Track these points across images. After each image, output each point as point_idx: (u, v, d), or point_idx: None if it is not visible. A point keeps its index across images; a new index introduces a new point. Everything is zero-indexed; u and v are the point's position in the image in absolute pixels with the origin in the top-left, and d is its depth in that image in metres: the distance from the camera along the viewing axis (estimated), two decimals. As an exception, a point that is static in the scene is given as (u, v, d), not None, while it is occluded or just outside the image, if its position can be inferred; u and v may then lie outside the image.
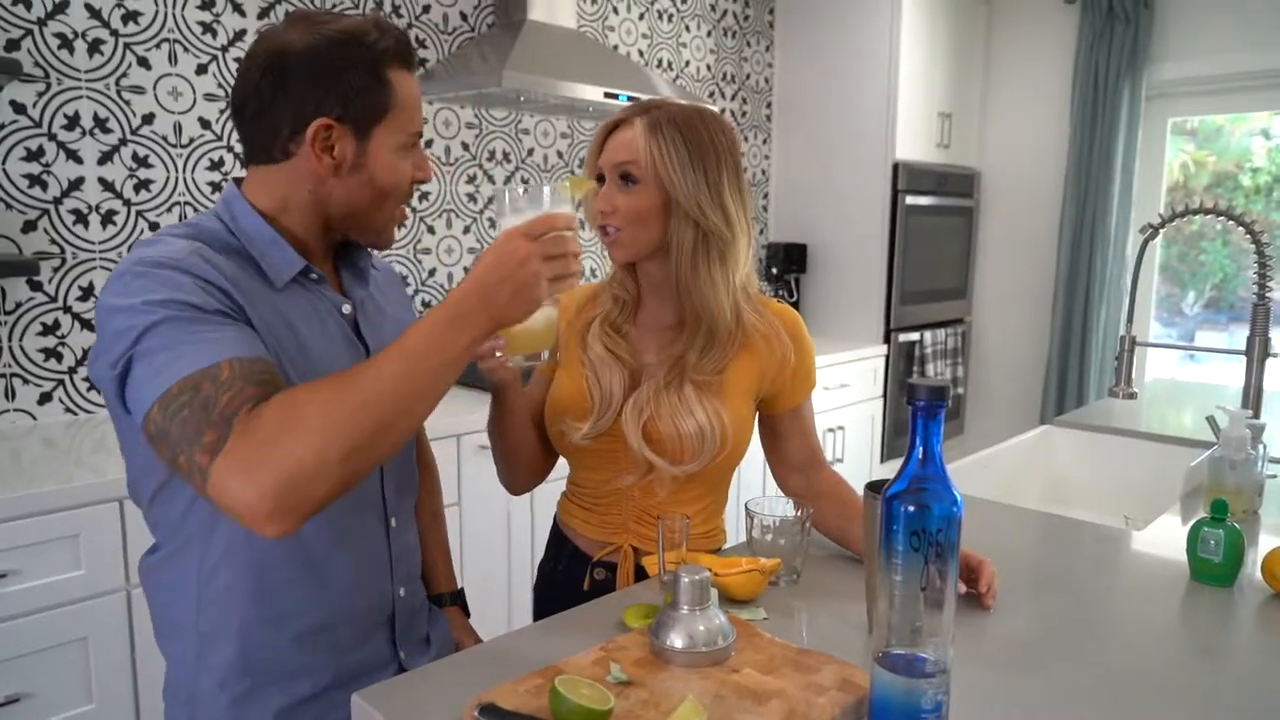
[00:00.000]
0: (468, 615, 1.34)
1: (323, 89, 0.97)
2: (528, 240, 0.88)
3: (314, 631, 1.04)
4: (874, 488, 1.04)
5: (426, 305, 2.78)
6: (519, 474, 1.36)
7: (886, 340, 3.70)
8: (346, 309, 1.08)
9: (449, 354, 0.87)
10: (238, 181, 1.05)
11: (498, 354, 1.09)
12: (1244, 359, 1.79)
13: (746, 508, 1.22)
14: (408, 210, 1.10)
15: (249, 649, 1.01)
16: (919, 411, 0.79)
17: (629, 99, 2.70)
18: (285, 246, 1.01)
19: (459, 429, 2.22)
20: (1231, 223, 1.67)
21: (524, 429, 1.30)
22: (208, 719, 1.03)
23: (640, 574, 1.27)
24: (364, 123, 1.00)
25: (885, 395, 3.73)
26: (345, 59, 0.97)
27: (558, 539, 1.38)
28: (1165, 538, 1.44)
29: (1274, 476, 1.64)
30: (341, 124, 0.99)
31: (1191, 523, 1.27)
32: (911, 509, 0.79)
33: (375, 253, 1.21)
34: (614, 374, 1.24)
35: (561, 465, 1.39)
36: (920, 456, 0.80)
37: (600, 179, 1.23)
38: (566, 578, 1.33)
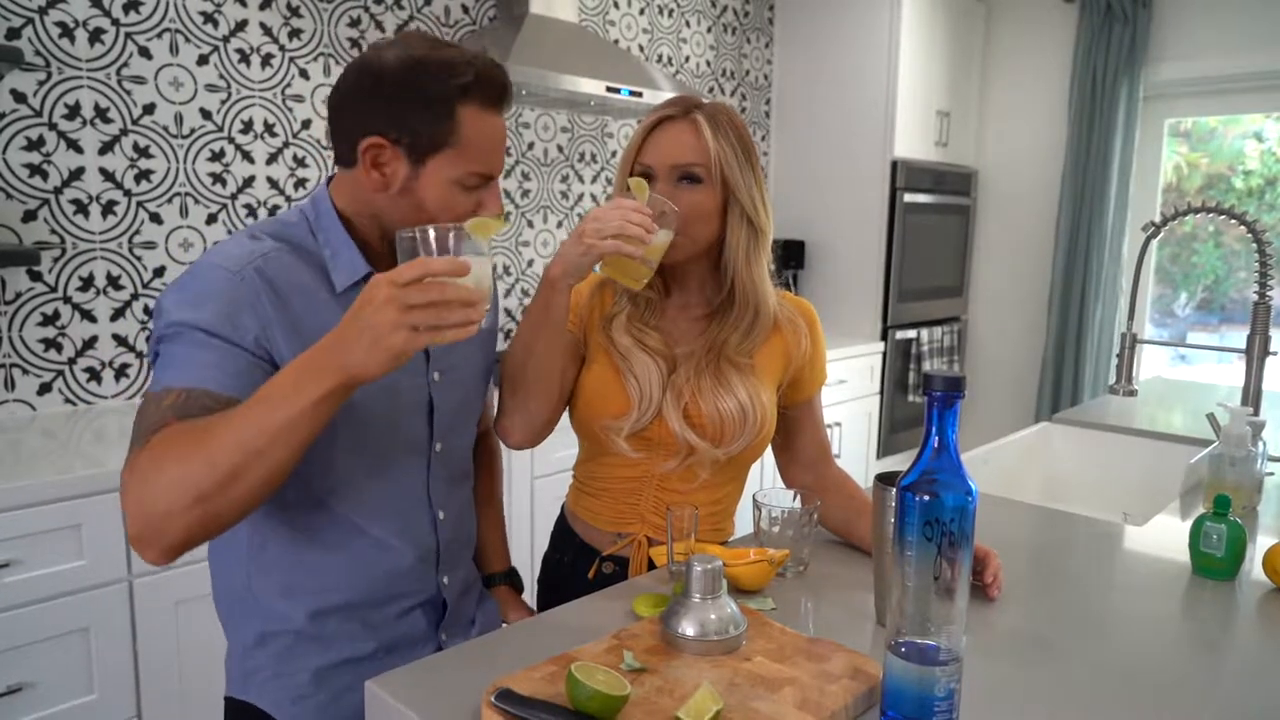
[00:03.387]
0: (520, 591, 1.37)
1: (385, 108, 1.00)
2: (390, 285, 0.81)
3: (351, 607, 1.09)
4: (884, 479, 1.05)
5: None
6: (532, 410, 1.21)
7: (884, 337, 3.72)
8: None
9: (297, 406, 0.83)
10: (330, 180, 1.09)
11: (639, 250, 1.08)
12: (1241, 359, 1.80)
13: (755, 499, 1.22)
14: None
15: (291, 612, 1.07)
16: (935, 401, 0.80)
17: (631, 93, 2.71)
18: (355, 251, 1.05)
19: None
20: (1224, 225, 1.68)
21: (558, 347, 1.19)
22: (257, 672, 1.09)
23: (649, 565, 1.27)
24: (419, 150, 1.01)
25: (882, 392, 3.75)
26: (419, 86, 0.99)
27: (564, 532, 1.38)
28: (1165, 533, 1.45)
29: (1272, 474, 1.65)
30: (396, 146, 1.00)
31: (1194, 518, 1.28)
32: (925, 498, 0.79)
33: None
34: (650, 369, 1.24)
35: (570, 457, 1.39)
36: (935, 446, 0.80)
37: (642, 176, 1.21)
38: (573, 570, 1.33)
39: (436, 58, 1.00)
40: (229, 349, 0.95)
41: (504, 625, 1.27)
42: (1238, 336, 1.81)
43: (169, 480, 0.84)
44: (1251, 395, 1.77)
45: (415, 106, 0.99)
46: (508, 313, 3.10)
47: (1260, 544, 1.37)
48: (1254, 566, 1.29)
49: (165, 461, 0.85)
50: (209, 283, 0.97)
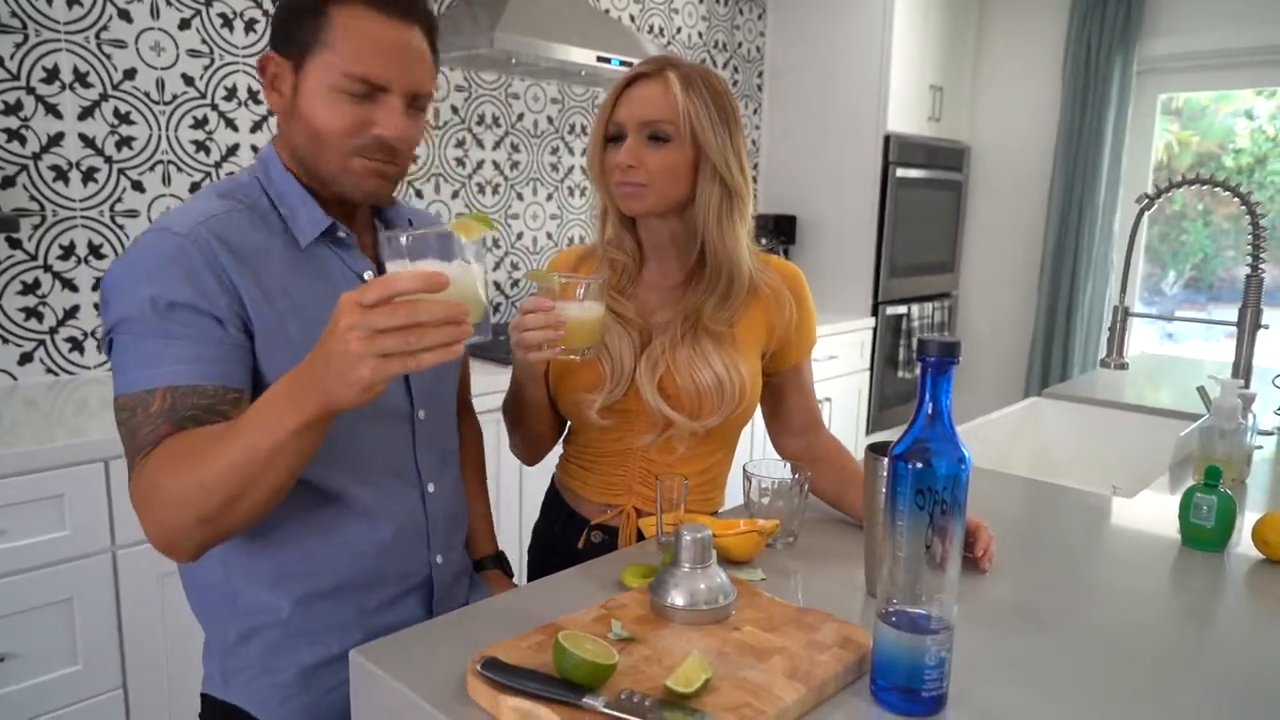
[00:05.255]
0: (510, 576, 1.33)
1: (275, 24, 0.97)
2: (354, 309, 0.73)
3: (342, 591, 1.04)
4: (876, 449, 1.04)
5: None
6: (540, 447, 1.35)
7: (874, 313, 3.71)
8: (369, 275, 1.05)
9: (280, 434, 0.80)
10: (275, 139, 1.05)
11: (557, 348, 1.06)
12: (1228, 337, 1.80)
13: (745, 470, 1.21)
14: (383, 164, 1.01)
15: (277, 604, 1.02)
16: (929, 367, 0.79)
17: (621, 64, 2.67)
18: (313, 204, 1.01)
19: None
20: (1213, 204, 1.68)
21: (546, 407, 1.29)
22: (240, 671, 1.04)
23: (639, 537, 1.26)
24: (296, 56, 0.96)
25: (872, 368, 3.74)
26: None
27: (555, 503, 1.37)
28: (1154, 506, 1.45)
29: (1261, 447, 1.66)
30: (283, 58, 0.97)
31: (1184, 489, 1.28)
32: (918, 466, 0.78)
33: (425, 213, 1.24)
34: (622, 339, 1.22)
35: (557, 428, 1.38)
36: (929, 414, 0.79)
37: (614, 137, 1.20)
38: (563, 540, 1.32)
39: None
40: (201, 323, 0.90)
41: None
42: (1225, 315, 1.81)
43: (172, 503, 0.84)
44: (1242, 368, 1.78)
45: (293, 11, 0.96)
46: (496, 286, 3.07)
47: (1249, 516, 1.37)
48: (1243, 538, 1.29)
49: (165, 484, 0.85)
50: (160, 251, 0.90)
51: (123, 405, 0.89)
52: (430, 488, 1.12)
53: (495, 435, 2.36)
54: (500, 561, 1.34)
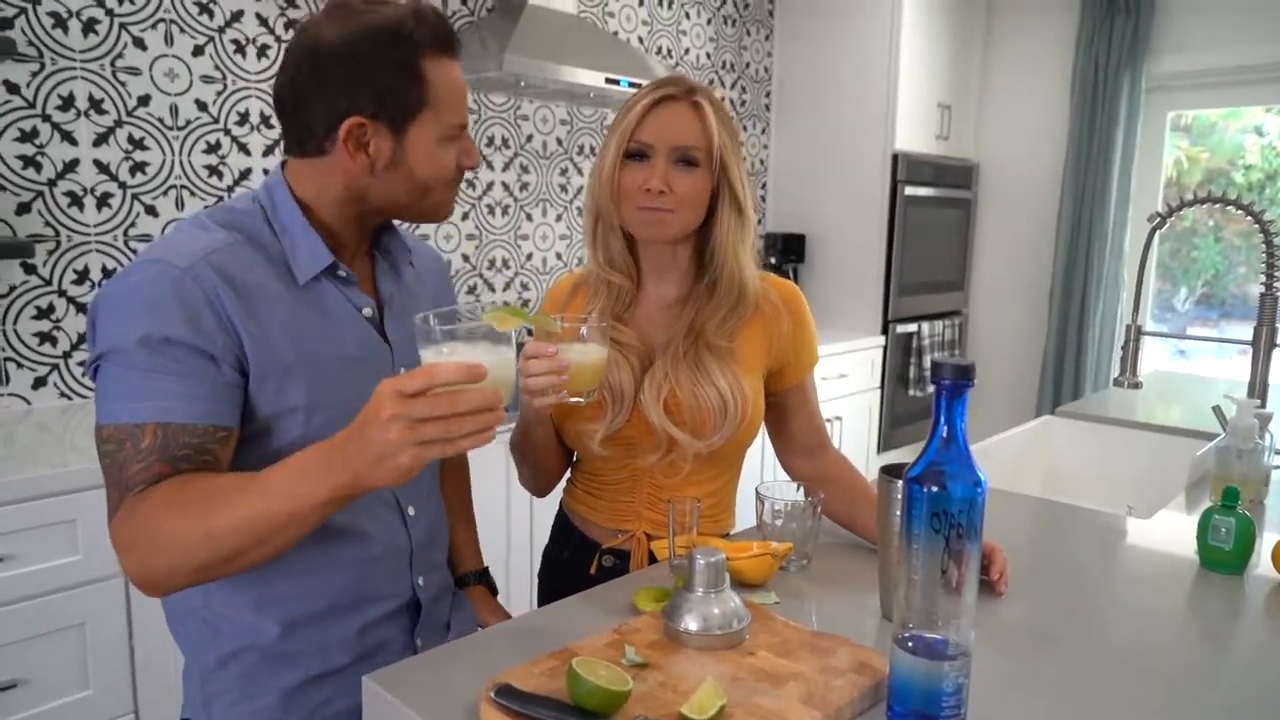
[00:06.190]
0: (494, 593, 1.33)
1: (355, 86, 0.95)
2: (395, 399, 0.76)
3: (326, 615, 1.03)
4: (889, 472, 1.03)
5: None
6: (549, 480, 1.36)
7: (884, 331, 3.70)
8: (368, 311, 1.05)
9: (302, 504, 0.82)
10: (283, 165, 1.04)
11: (561, 394, 1.05)
12: (1241, 354, 1.79)
13: (757, 492, 1.21)
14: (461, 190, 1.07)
15: (259, 628, 1.01)
16: (944, 390, 0.78)
17: (630, 85, 2.69)
18: (316, 241, 1.00)
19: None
20: (1224, 220, 1.67)
21: (553, 444, 1.29)
22: (219, 695, 1.03)
23: (651, 559, 1.26)
24: (400, 119, 0.97)
25: (883, 386, 3.73)
26: (378, 54, 0.95)
27: (564, 527, 1.36)
28: (1170, 527, 1.43)
29: (1279, 467, 1.64)
30: (376, 121, 0.96)
31: (1200, 511, 1.27)
32: (933, 490, 0.78)
33: (415, 239, 1.24)
34: (622, 368, 1.22)
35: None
36: (944, 436, 0.79)
37: (635, 155, 1.19)
38: (573, 564, 1.32)
39: (383, 20, 0.96)
40: (195, 360, 0.89)
41: (480, 630, 1.21)
42: (1236, 331, 1.80)
43: (169, 548, 0.85)
44: (1258, 387, 1.76)
45: (384, 76, 0.95)
46: (506, 305, 3.07)
47: (1268, 538, 1.35)
48: (1262, 560, 1.27)
49: (163, 527, 0.84)
50: (159, 285, 0.89)
51: (108, 436, 0.88)
52: (410, 511, 1.11)
53: (505, 464, 2.37)
54: (484, 577, 1.33)
